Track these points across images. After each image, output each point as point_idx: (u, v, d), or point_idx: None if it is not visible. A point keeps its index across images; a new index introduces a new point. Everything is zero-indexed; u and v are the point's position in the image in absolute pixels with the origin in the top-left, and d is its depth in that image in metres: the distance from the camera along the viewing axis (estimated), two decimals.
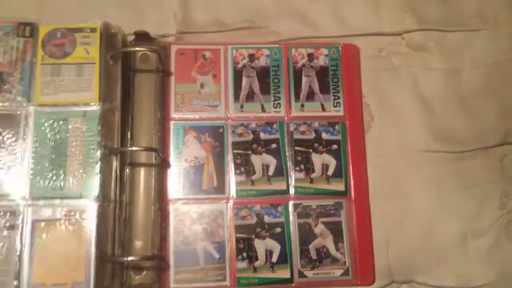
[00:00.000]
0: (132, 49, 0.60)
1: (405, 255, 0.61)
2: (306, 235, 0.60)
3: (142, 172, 0.59)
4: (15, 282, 0.52)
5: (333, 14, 0.66)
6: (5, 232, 0.53)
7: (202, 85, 0.63)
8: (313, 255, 0.60)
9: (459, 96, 0.64)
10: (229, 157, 0.62)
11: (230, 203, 0.60)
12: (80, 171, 0.55)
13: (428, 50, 0.66)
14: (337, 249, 0.60)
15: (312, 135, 0.63)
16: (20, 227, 0.53)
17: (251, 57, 0.64)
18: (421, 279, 0.60)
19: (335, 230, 0.60)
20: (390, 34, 0.66)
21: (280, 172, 0.62)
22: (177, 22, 0.65)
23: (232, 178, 0.61)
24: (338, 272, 0.60)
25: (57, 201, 0.54)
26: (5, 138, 0.55)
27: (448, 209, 0.62)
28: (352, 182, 0.62)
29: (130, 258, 0.55)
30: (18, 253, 0.53)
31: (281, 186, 0.61)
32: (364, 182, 0.62)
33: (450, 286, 0.60)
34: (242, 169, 0.61)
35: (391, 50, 0.66)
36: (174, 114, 0.62)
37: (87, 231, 0.54)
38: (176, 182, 0.60)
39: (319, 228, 0.60)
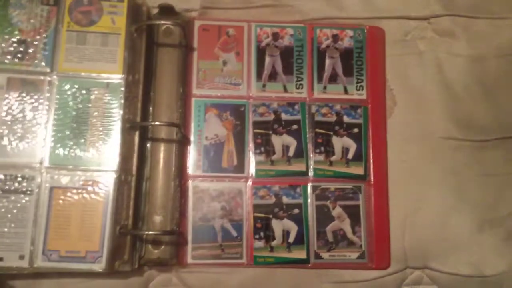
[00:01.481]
0: (158, 22, 0.60)
1: (421, 241, 0.61)
2: (324, 217, 0.60)
3: (162, 147, 0.59)
4: (31, 247, 0.52)
5: None
6: (24, 197, 0.53)
7: (224, 63, 0.63)
8: (330, 238, 0.59)
9: (483, 84, 0.64)
10: (250, 137, 0.61)
11: (249, 183, 0.60)
12: (100, 142, 0.55)
13: (454, 36, 0.65)
14: (354, 232, 0.60)
15: (333, 118, 0.62)
16: (37, 193, 0.53)
17: (275, 36, 0.64)
18: (435, 266, 0.60)
19: (353, 214, 0.60)
20: (417, 18, 0.65)
21: (300, 153, 0.61)
22: None
23: (252, 158, 0.61)
24: (354, 255, 0.59)
25: (75, 170, 0.54)
26: (27, 104, 0.55)
27: (466, 197, 0.62)
28: (371, 166, 0.62)
29: (150, 232, 0.55)
30: (34, 218, 0.53)
31: (301, 167, 0.61)
32: (384, 167, 0.62)
33: (463, 274, 0.60)
34: (262, 149, 0.61)
35: (417, 34, 0.65)
36: (195, 91, 0.62)
37: (104, 202, 0.54)
38: (196, 159, 0.60)
39: (337, 211, 0.60)
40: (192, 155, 0.60)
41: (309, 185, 0.61)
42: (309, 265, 0.59)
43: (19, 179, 0.53)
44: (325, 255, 0.59)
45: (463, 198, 0.61)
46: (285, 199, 0.60)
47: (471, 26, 0.65)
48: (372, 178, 0.61)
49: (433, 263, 0.60)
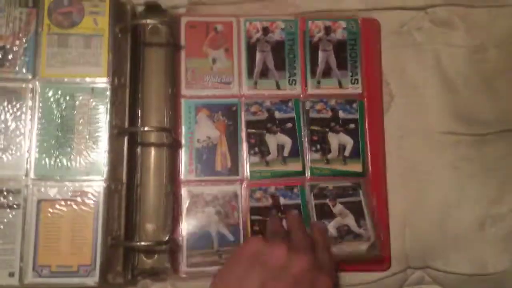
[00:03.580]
0: (144, 21, 0.57)
1: (421, 240, 0.59)
2: (325, 215, 0.58)
3: (152, 152, 0.57)
4: (20, 264, 0.50)
5: None
6: (10, 211, 0.51)
7: (214, 60, 0.60)
8: (334, 233, 0.57)
9: (483, 75, 0.62)
10: (243, 137, 0.59)
11: (244, 185, 0.58)
12: (87, 150, 0.53)
13: (452, 26, 0.62)
14: (359, 226, 0.57)
15: (328, 114, 0.60)
16: (24, 206, 0.51)
17: (265, 31, 0.61)
18: (437, 265, 0.59)
19: (355, 209, 0.58)
20: (413, 8, 0.63)
21: (296, 152, 0.59)
22: None
23: (246, 159, 0.59)
24: (363, 246, 0.57)
25: (63, 181, 0.52)
26: (9, 114, 0.52)
27: (467, 193, 0.60)
28: (369, 163, 0.60)
29: (142, 243, 0.53)
30: (22, 233, 0.51)
31: (297, 167, 0.59)
32: (382, 164, 0.60)
33: (465, 273, 0.59)
34: (257, 149, 0.59)
35: (414, 25, 0.62)
36: (185, 91, 0.59)
37: (94, 213, 0.52)
38: (188, 163, 0.58)
39: (337, 208, 0.58)
40: (184, 159, 0.58)
41: (307, 185, 0.59)
42: None
43: (5, 193, 0.51)
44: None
45: (464, 194, 0.60)
46: (282, 200, 0.58)
47: (469, 15, 0.62)
48: (370, 175, 0.60)
49: (434, 262, 0.59)
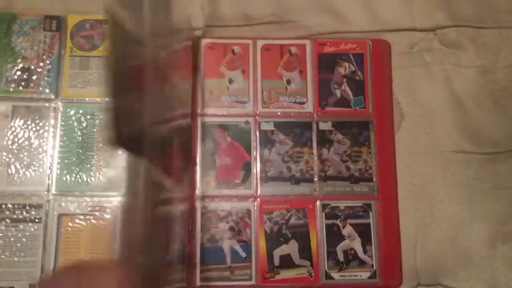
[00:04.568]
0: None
1: (433, 257, 0.60)
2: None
3: None
4: (41, 275, 0.52)
5: (364, 8, 0.65)
6: (32, 225, 0.53)
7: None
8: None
9: (492, 95, 0.63)
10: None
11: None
12: (107, 167, 0.55)
13: (461, 47, 0.64)
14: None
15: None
16: (45, 220, 0.53)
17: None
18: (447, 282, 0.59)
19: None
20: (423, 29, 0.64)
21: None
22: (204, 15, 0.64)
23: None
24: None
25: (82, 196, 0.54)
26: (32, 132, 0.55)
27: (478, 212, 0.61)
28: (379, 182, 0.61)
29: None
30: (43, 245, 0.53)
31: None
32: (393, 183, 0.61)
33: None
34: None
35: (423, 46, 0.64)
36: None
37: (113, 227, 0.53)
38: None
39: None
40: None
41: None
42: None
43: (27, 207, 0.53)
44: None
45: (475, 212, 0.60)
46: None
47: (478, 36, 0.64)
48: (380, 194, 0.60)
49: (445, 279, 0.59)
